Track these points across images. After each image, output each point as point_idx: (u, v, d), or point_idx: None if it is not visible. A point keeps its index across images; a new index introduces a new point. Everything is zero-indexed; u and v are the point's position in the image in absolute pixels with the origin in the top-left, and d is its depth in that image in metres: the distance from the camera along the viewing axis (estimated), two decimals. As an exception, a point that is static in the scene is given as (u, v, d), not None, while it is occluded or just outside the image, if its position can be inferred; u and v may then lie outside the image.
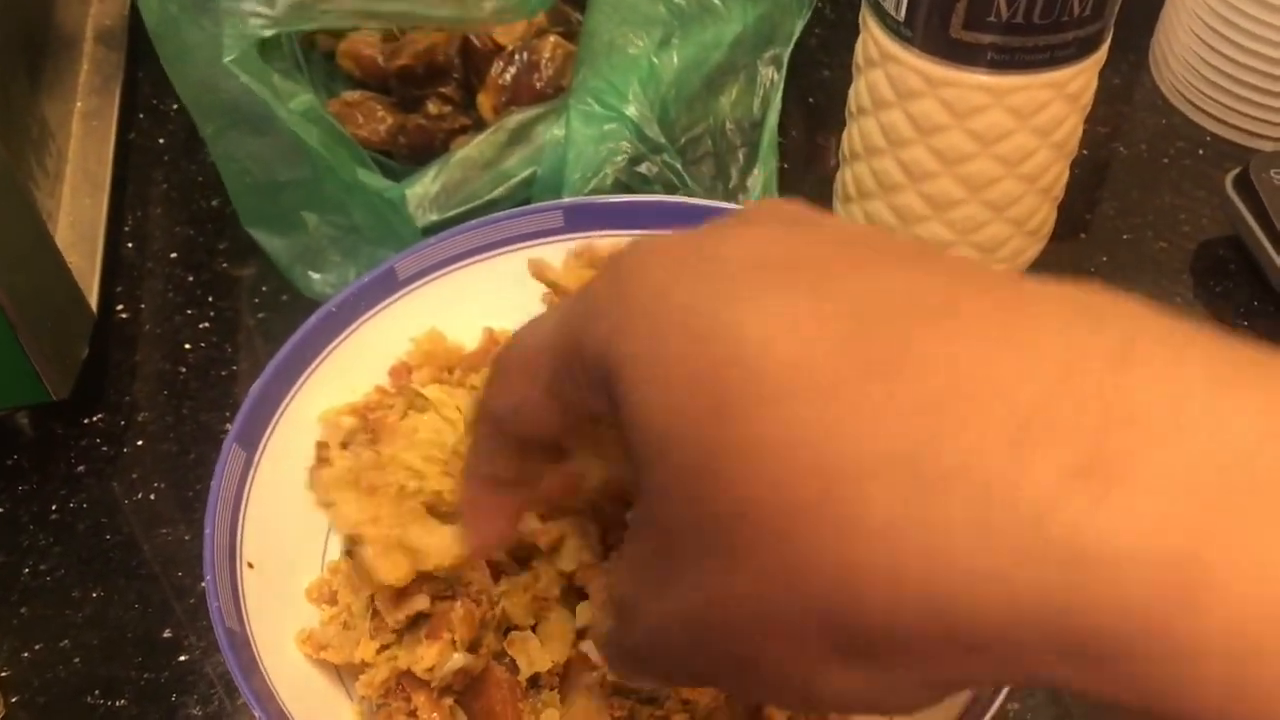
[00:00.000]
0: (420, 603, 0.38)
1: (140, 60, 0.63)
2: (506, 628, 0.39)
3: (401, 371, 0.46)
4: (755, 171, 0.54)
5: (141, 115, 0.63)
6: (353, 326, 0.45)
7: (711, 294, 0.21)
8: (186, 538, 0.47)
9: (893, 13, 0.46)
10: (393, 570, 0.35)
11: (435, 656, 0.37)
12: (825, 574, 0.19)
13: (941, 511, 0.18)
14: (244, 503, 0.41)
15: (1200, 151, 0.61)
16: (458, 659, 0.37)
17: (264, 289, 0.55)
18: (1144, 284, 0.55)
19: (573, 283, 0.36)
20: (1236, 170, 0.54)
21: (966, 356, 0.19)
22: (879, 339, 0.19)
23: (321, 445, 0.38)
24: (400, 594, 0.37)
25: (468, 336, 0.47)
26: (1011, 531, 0.17)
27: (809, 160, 0.61)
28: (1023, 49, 0.44)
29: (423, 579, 0.38)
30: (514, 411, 0.27)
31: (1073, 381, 0.18)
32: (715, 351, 0.21)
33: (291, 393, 0.43)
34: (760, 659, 0.21)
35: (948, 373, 0.19)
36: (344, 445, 0.38)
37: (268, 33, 0.45)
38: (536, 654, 0.38)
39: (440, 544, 0.35)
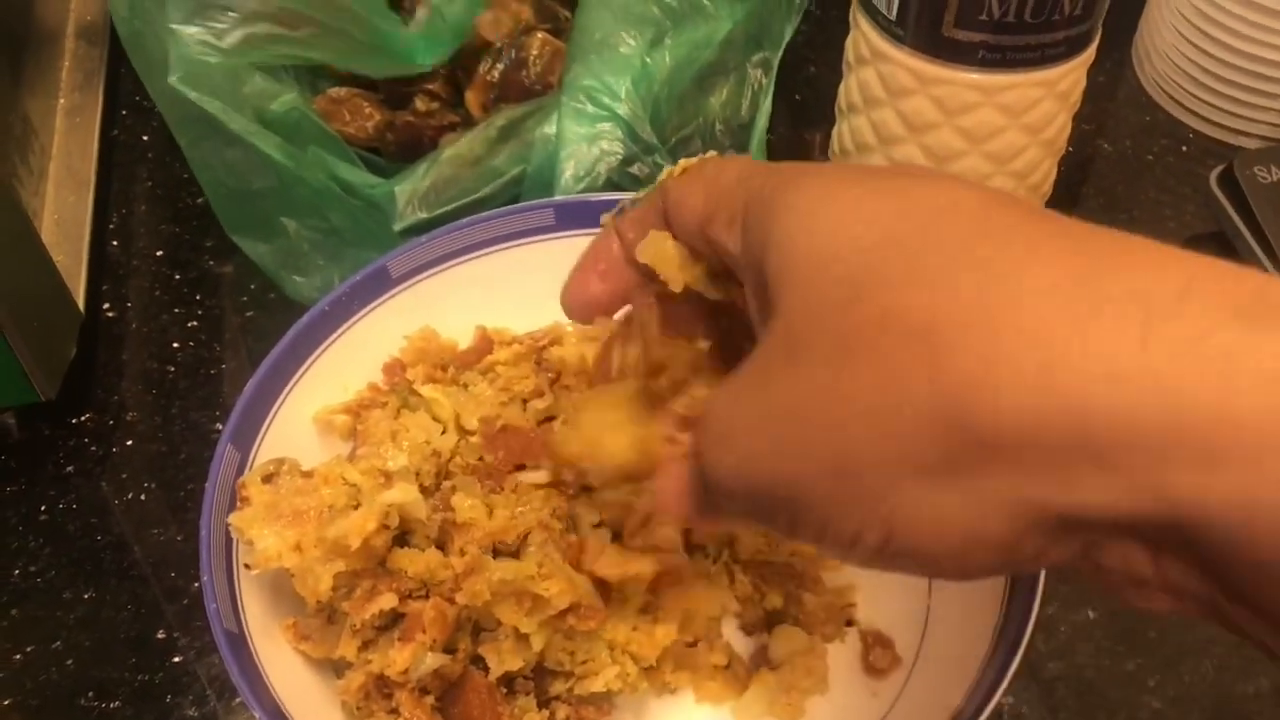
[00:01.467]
0: (387, 601, 0.38)
1: (123, 57, 0.62)
2: (478, 629, 0.39)
3: (395, 368, 0.46)
4: (745, 169, 0.54)
5: (124, 112, 0.62)
6: (346, 325, 0.45)
7: (891, 175, 0.25)
8: (178, 538, 0.47)
9: (884, 11, 0.46)
10: (316, 592, 0.37)
11: (408, 659, 0.37)
12: (967, 369, 0.20)
13: (1108, 321, 0.19)
14: (239, 503, 0.40)
15: (1184, 148, 0.61)
16: (431, 660, 0.37)
17: (251, 287, 0.55)
18: (1129, 280, 0.56)
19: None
20: (1220, 167, 0.55)
21: (1123, 239, 0.21)
22: (1048, 218, 0.22)
23: (240, 485, 0.38)
24: (367, 594, 0.37)
25: (461, 334, 0.47)
26: (1170, 343, 0.19)
27: (795, 157, 0.62)
28: (1014, 47, 0.44)
29: (390, 577, 0.38)
30: (679, 206, 0.30)
31: (1223, 267, 0.20)
32: (900, 198, 0.23)
33: (285, 392, 0.43)
34: (857, 465, 0.22)
35: (1113, 244, 0.21)
36: (267, 479, 0.38)
37: (213, 60, 0.46)
38: (508, 654, 0.38)
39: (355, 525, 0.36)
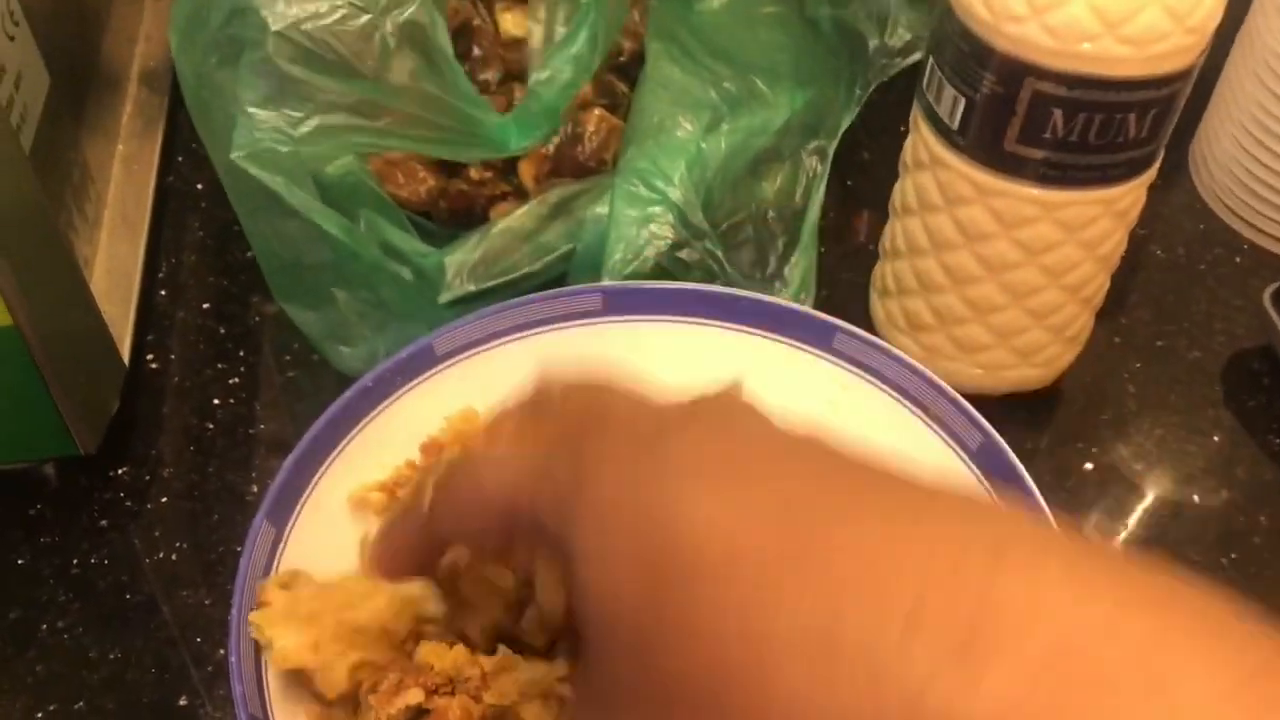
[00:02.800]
0: (413, 696, 0.37)
1: (182, 102, 0.63)
2: None
3: (433, 449, 0.46)
4: (794, 260, 0.54)
5: (181, 159, 0.63)
6: (387, 402, 0.45)
7: (654, 496, 0.25)
8: (207, 602, 0.47)
9: (946, 119, 0.46)
10: (334, 686, 0.37)
11: None
12: None
13: (844, 685, 0.21)
14: (272, 581, 0.40)
15: (1237, 259, 0.61)
16: None
17: (295, 346, 0.55)
18: (1176, 393, 0.55)
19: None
20: (1276, 284, 0.54)
21: (869, 549, 0.22)
22: (795, 534, 0.23)
23: (260, 589, 0.39)
24: (394, 688, 0.37)
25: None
26: (898, 706, 0.21)
27: (844, 244, 0.61)
28: (1075, 166, 0.44)
29: (417, 672, 0.38)
30: (458, 532, 0.34)
31: (954, 575, 0.21)
32: (656, 543, 0.24)
33: (323, 468, 0.43)
34: None
35: (853, 562, 0.22)
36: (284, 586, 0.38)
37: (284, 149, 0.46)
38: None
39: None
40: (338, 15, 0.45)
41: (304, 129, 0.45)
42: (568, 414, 0.31)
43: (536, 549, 0.33)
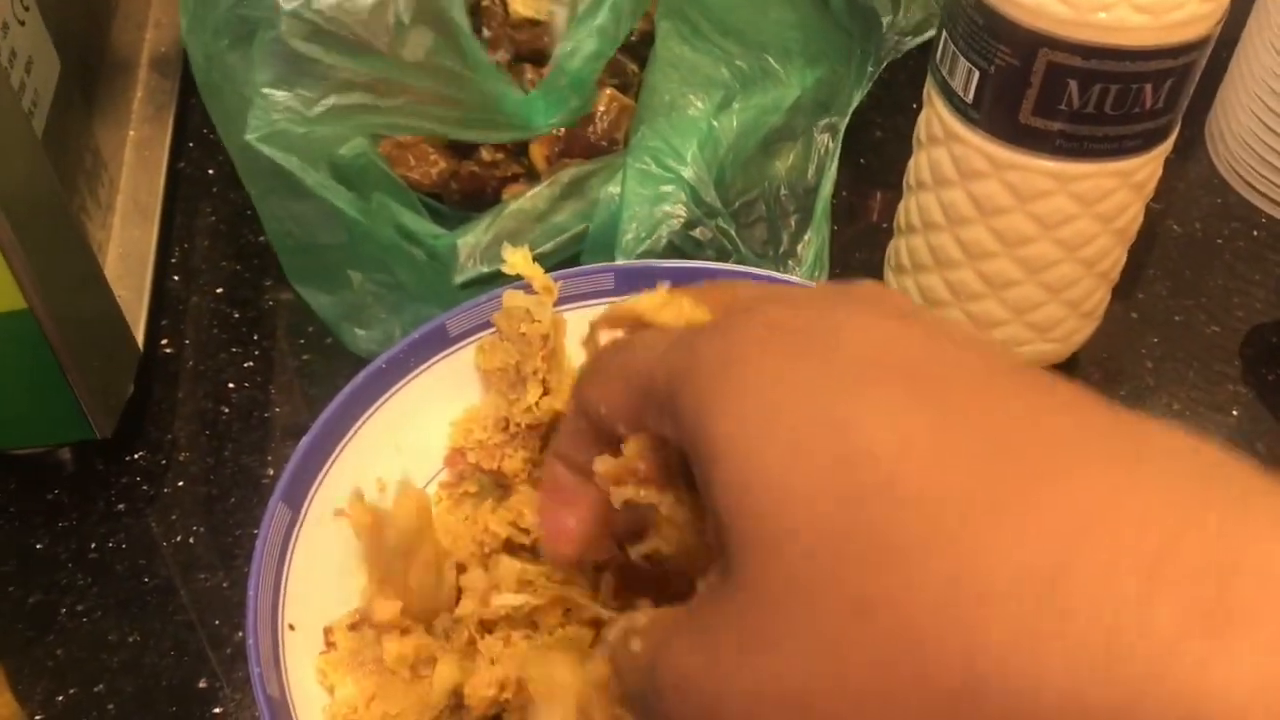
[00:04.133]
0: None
1: (193, 88, 0.63)
2: None
3: (456, 459, 0.45)
4: (807, 237, 0.54)
5: (192, 144, 0.63)
6: (401, 383, 0.45)
7: (834, 387, 0.22)
8: (224, 585, 0.47)
9: (960, 93, 0.45)
10: None
11: None
12: (950, 681, 0.20)
13: (1071, 643, 0.19)
14: (287, 563, 0.40)
15: (1255, 233, 0.60)
16: None
17: (309, 329, 0.55)
18: (1194, 368, 0.55)
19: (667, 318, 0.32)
20: (1294, 258, 0.54)
21: (1096, 496, 0.20)
22: (1013, 469, 0.20)
23: (328, 630, 0.39)
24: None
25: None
26: (1134, 674, 0.18)
27: (858, 222, 0.61)
28: (1091, 138, 0.43)
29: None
30: (602, 411, 0.28)
31: (1197, 529, 0.19)
32: (846, 443, 0.21)
33: (338, 450, 0.43)
34: None
35: (1079, 509, 0.20)
36: (352, 627, 0.38)
37: (299, 130, 0.45)
38: None
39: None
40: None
41: (319, 109, 0.45)
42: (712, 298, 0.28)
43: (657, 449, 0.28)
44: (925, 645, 0.20)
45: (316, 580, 0.41)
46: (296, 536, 0.41)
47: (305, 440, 0.42)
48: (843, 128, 0.57)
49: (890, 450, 0.21)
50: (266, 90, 0.44)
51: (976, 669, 0.19)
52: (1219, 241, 0.60)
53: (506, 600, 0.38)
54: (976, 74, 0.44)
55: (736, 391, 0.23)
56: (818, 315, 0.24)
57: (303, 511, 0.41)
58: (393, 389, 0.45)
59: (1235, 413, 0.54)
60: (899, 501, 0.20)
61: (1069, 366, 0.54)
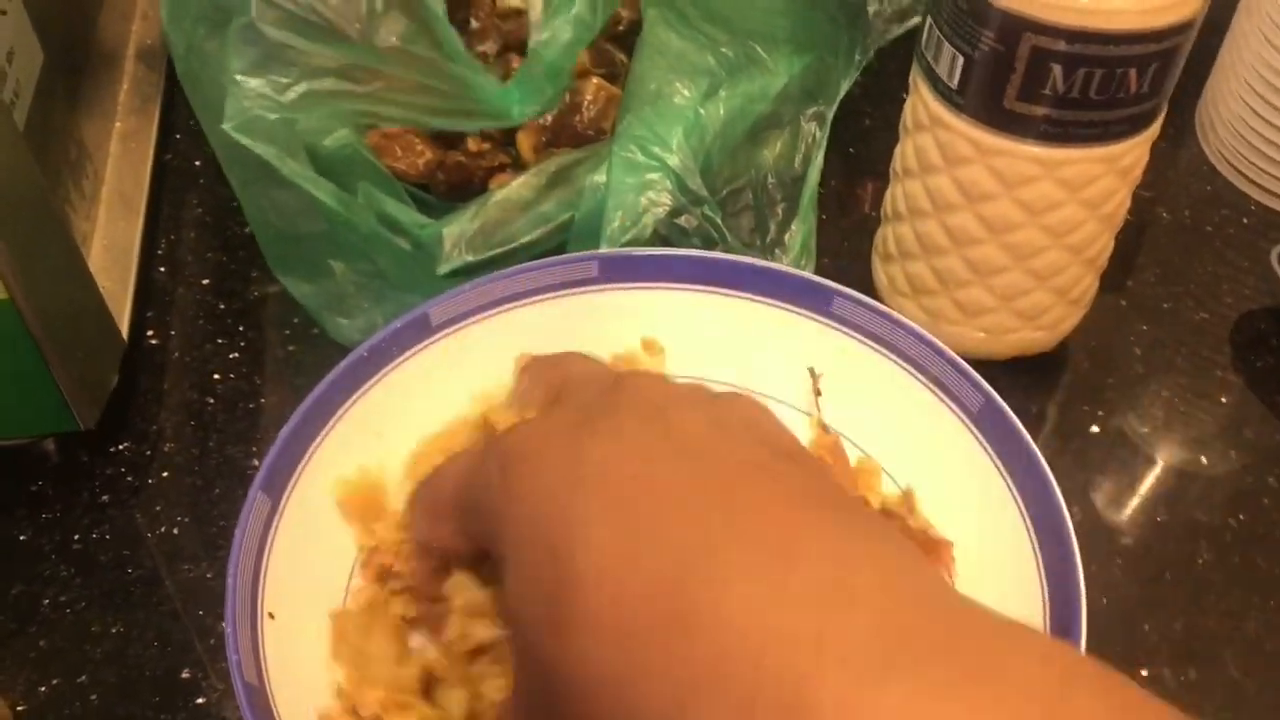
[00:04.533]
0: None
1: (179, 80, 0.63)
2: None
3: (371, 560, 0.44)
4: (794, 227, 0.54)
5: (178, 136, 0.62)
6: (383, 372, 0.45)
7: (568, 514, 0.26)
8: (209, 575, 0.47)
9: (945, 79, 0.45)
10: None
11: None
12: None
13: None
14: (267, 551, 0.40)
15: (1244, 220, 0.60)
16: None
17: (295, 320, 0.54)
18: (1183, 355, 0.55)
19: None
20: (1283, 244, 0.53)
21: (728, 627, 0.23)
22: (674, 597, 0.24)
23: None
24: None
25: (499, 384, 0.47)
26: None
27: (846, 211, 0.61)
28: (1076, 123, 0.43)
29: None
30: (429, 542, 0.36)
31: (777, 680, 0.22)
32: (561, 573, 0.26)
33: (319, 439, 0.43)
34: None
35: (712, 641, 0.23)
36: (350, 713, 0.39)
37: (272, 116, 0.45)
38: None
39: None
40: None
41: (291, 95, 0.45)
42: (521, 395, 0.35)
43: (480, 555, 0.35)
44: None
45: (296, 569, 0.41)
46: (277, 525, 0.41)
47: (285, 429, 0.42)
48: (830, 116, 0.57)
49: (588, 577, 0.25)
50: (240, 77, 0.44)
51: None
52: (1208, 229, 0.60)
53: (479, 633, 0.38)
54: (961, 59, 0.44)
55: (509, 518, 0.28)
56: (581, 437, 0.28)
57: (283, 500, 0.41)
58: (375, 377, 0.45)
59: (1224, 400, 0.53)
60: (589, 632, 0.25)
61: (1057, 354, 0.54)
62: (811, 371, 0.47)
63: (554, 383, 0.38)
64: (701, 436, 0.28)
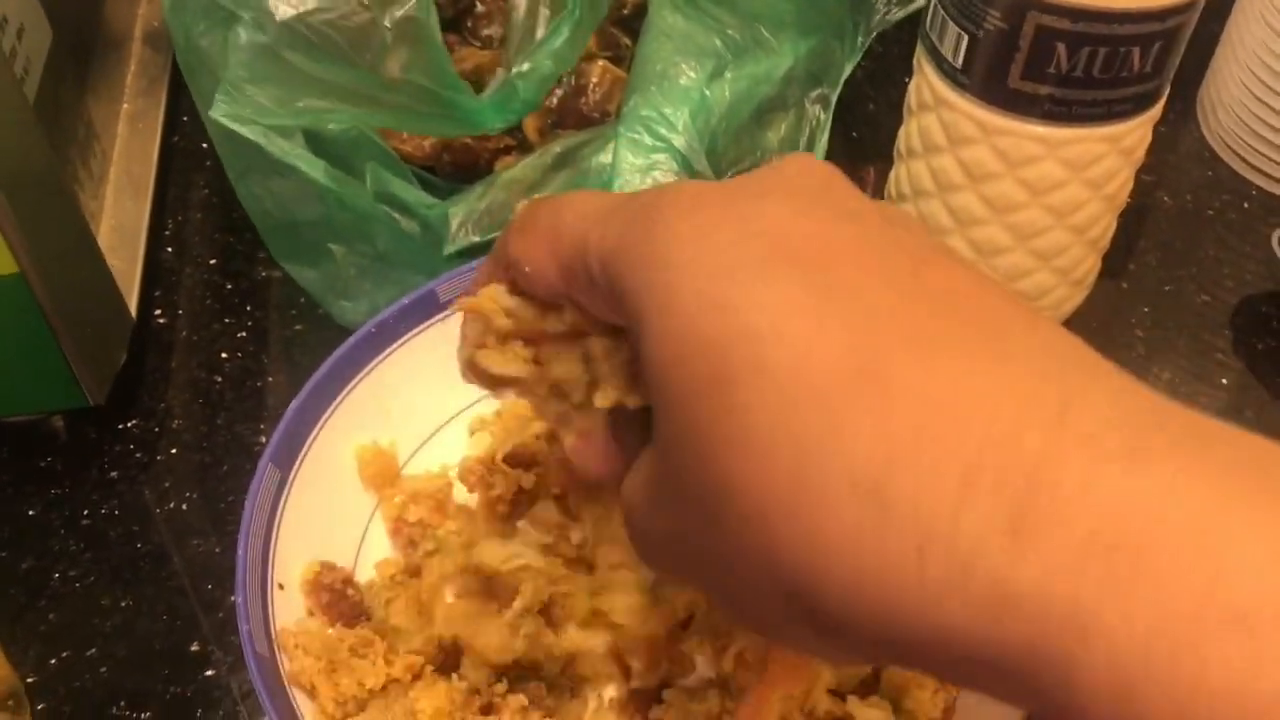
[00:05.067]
0: None
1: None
2: None
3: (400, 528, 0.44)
4: (799, 207, 0.54)
5: (185, 118, 0.63)
6: (391, 348, 0.45)
7: (734, 266, 0.23)
8: (217, 550, 0.47)
9: (950, 58, 0.45)
10: None
11: None
12: (792, 568, 0.21)
13: (893, 543, 0.20)
14: (277, 523, 0.40)
15: (1245, 205, 0.60)
16: None
17: (301, 300, 0.55)
18: (1184, 337, 0.55)
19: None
20: (1284, 227, 0.54)
21: (936, 394, 0.21)
22: (869, 355, 0.21)
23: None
24: None
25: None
26: (945, 571, 0.20)
27: (851, 194, 0.61)
28: (1080, 102, 0.44)
29: None
30: (526, 269, 0.28)
31: (1013, 437, 0.20)
32: (729, 324, 0.22)
33: (327, 414, 0.43)
34: (740, 600, 0.24)
35: (919, 405, 0.21)
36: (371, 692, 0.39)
37: (267, 122, 0.46)
38: None
39: None
40: (340, 10, 0.45)
41: (291, 109, 0.46)
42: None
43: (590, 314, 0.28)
44: (773, 538, 0.21)
45: (306, 541, 0.41)
46: (286, 498, 0.41)
47: (295, 403, 0.42)
48: (834, 99, 0.57)
49: (764, 332, 0.22)
50: (243, 85, 0.45)
51: (815, 568, 0.21)
52: (1210, 213, 0.60)
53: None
54: (966, 39, 0.44)
55: (658, 276, 0.24)
56: (740, 197, 0.24)
57: (293, 473, 0.42)
58: (383, 354, 0.45)
59: (1225, 382, 0.54)
60: (762, 389, 0.21)
61: (1060, 336, 0.54)
62: None
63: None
64: (871, 211, 0.25)
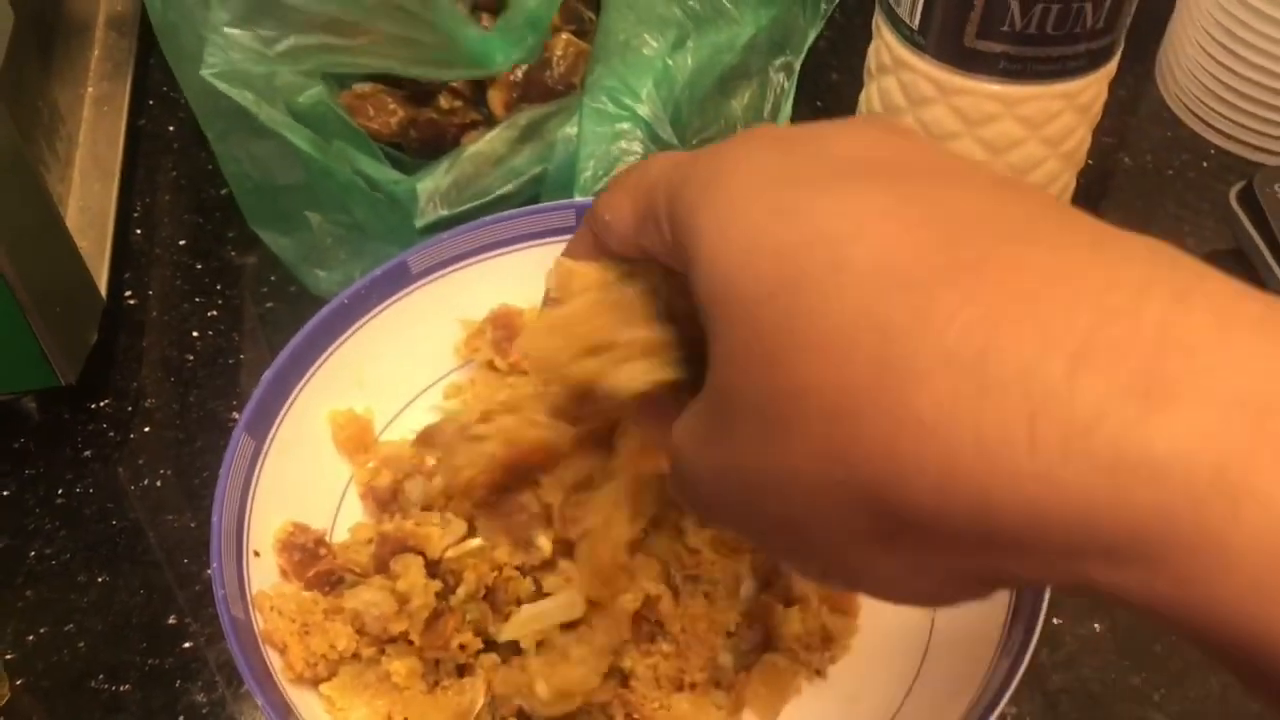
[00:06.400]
0: None
1: (152, 47, 0.63)
2: None
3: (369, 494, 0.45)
4: (764, 174, 0.55)
5: (152, 102, 0.63)
6: (364, 319, 0.46)
7: (809, 179, 0.22)
8: (192, 525, 0.47)
9: (907, 20, 0.46)
10: None
11: None
12: (876, 459, 0.20)
13: (995, 413, 0.19)
14: (252, 491, 0.41)
15: (1204, 164, 0.61)
16: None
17: (272, 279, 0.55)
18: (1147, 295, 0.56)
19: None
20: (1240, 184, 0.55)
21: (1037, 274, 0.20)
22: (959, 250, 0.20)
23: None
24: None
25: (478, 331, 0.48)
26: (1061, 436, 0.18)
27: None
28: (1035, 59, 0.44)
29: None
30: (606, 218, 0.29)
31: (1132, 312, 0.19)
32: (803, 228, 0.21)
33: (301, 383, 0.44)
34: (804, 525, 0.22)
35: (1018, 287, 0.20)
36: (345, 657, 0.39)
37: (257, 68, 0.45)
38: None
39: None
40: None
41: (279, 48, 0.46)
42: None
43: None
44: (856, 428, 0.20)
45: (282, 507, 0.41)
46: (262, 465, 0.41)
47: (269, 372, 0.42)
48: (798, 66, 0.58)
49: (843, 234, 0.21)
50: (227, 30, 0.45)
51: (903, 454, 0.20)
52: (1170, 172, 0.61)
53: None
54: (922, 0, 0.45)
55: (721, 195, 0.23)
56: (812, 129, 0.24)
57: (267, 442, 0.42)
58: (356, 324, 0.45)
59: (1187, 337, 0.54)
60: (841, 285, 0.21)
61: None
62: None
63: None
64: (942, 148, 0.25)
